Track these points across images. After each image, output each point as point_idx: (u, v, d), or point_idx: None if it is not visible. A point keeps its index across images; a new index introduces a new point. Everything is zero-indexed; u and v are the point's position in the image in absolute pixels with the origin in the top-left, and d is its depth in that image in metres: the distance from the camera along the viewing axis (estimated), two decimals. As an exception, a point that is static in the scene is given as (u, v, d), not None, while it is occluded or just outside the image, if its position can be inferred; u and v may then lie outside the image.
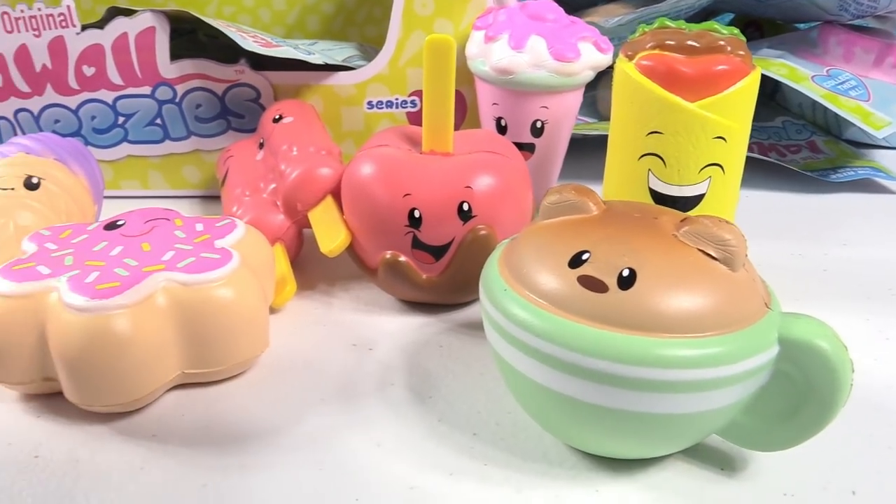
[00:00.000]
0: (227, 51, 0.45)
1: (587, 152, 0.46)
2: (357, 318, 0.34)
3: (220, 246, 0.29)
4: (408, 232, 0.31)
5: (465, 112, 0.44)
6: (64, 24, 0.41)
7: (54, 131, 0.43)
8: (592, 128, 0.48)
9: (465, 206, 0.31)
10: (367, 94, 0.43)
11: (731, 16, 0.62)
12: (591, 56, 0.38)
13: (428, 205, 0.31)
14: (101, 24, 0.42)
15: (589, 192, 0.25)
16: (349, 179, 0.33)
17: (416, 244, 0.31)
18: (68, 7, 0.41)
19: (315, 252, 0.37)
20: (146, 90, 0.43)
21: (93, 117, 0.43)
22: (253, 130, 0.43)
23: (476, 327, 0.33)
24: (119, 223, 0.31)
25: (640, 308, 0.22)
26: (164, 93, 0.43)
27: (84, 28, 0.41)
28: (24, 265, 0.28)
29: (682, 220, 0.24)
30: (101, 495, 0.24)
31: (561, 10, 0.39)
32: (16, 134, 0.44)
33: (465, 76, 0.41)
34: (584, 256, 0.23)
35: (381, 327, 0.33)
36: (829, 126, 0.53)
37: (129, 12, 0.42)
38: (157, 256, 0.28)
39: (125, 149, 0.44)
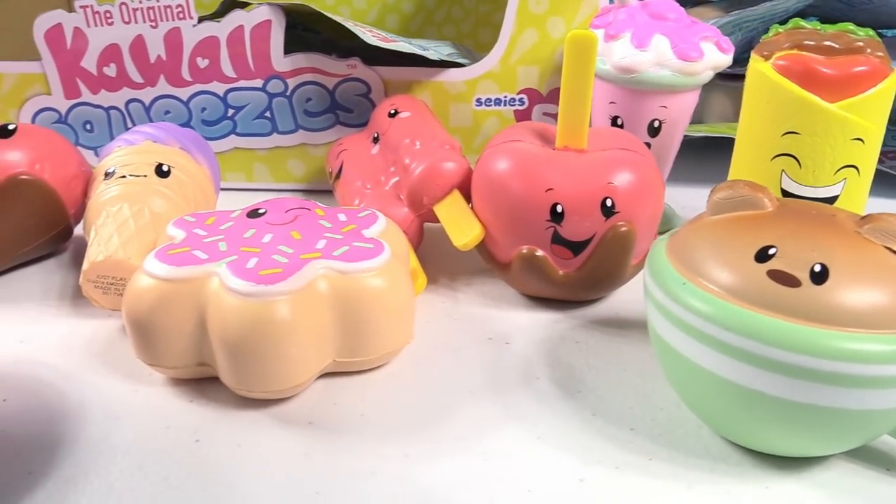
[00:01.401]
0: (324, 46, 0.45)
1: (689, 154, 0.46)
2: (486, 313, 0.34)
3: (368, 236, 0.29)
4: (548, 227, 0.31)
5: (572, 111, 0.44)
6: (181, 15, 0.41)
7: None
8: (695, 129, 0.48)
9: (609, 203, 0.31)
10: (476, 90, 0.43)
11: (816, 20, 0.62)
12: (713, 56, 0.37)
13: (571, 200, 0.31)
14: (216, 17, 0.42)
15: (762, 188, 0.25)
16: (485, 173, 0.33)
17: (556, 239, 0.31)
18: (186, -1, 0.41)
19: (433, 246, 0.37)
20: (258, 83, 0.43)
21: (203, 109, 0.44)
22: (361, 125, 0.44)
23: (609, 324, 0.33)
24: (261, 211, 0.31)
25: (834, 303, 0.22)
26: (275, 86, 0.43)
27: (200, 20, 0.42)
28: (179, 250, 0.28)
29: (862, 218, 0.24)
30: (269, 480, 0.24)
31: (682, 9, 0.39)
32: (126, 125, 0.44)
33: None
34: (771, 251, 0.23)
35: (513, 322, 0.33)
36: (923, 133, 0.53)
37: (244, 5, 0.42)
38: (311, 244, 0.28)
39: (232, 141, 0.44)
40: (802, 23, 0.34)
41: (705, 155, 0.49)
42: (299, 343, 0.26)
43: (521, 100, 0.43)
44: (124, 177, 0.34)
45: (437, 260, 0.38)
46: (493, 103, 0.43)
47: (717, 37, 0.38)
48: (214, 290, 0.26)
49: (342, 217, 0.31)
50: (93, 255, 0.31)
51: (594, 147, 0.33)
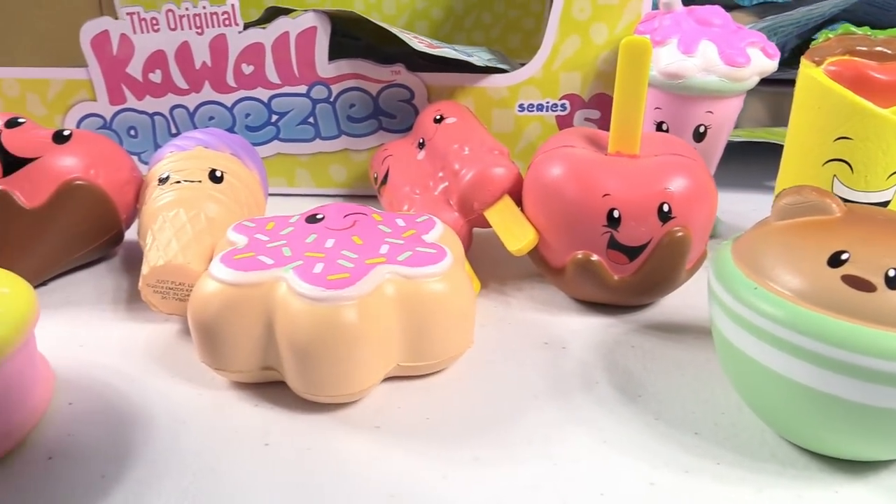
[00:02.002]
0: (363, 52, 0.45)
1: (725, 158, 0.46)
2: (540, 317, 0.34)
3: (429, 241, 0.30)
4: (605, 232, 0.31)
5: (613, 115, 0.44)
6: (227, 22, 0.42)
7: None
8: (733, 135, 0.48)
9: (665, 208, 0.31)
10: (519, 96, 0.43)
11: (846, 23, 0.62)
12: (759, 61, 0.38)
13: (628, 205, 0.31)
14: (260, 23, 0.42)
15: (829, 193, 0.25)
16: (539, 179, 0.33)
17: (613, 244, 0.32)
18: (232, 5, 0.41)
19: (481, 251, 0.38)
20: (302, 89, 0.43)
21: (247, 115, 0.44)
22: (404, 130, 0.44)
23: (661, 328, 0.33)
24: (318, 216, 0.31)
25: (911, 308, 0.22)
26: (319, 92, 0.43)
27: (246, 27, 0.42)
28: (244, 255, 0.28)
29: (932, 223, 0.24)
30: (342, 483, 0.24)
31: (727, 15, 0.39)
32: (171, 131, 0.44)
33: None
34: (844, 256, 0.23)
35: (567, 326, 0.33)
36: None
37: (288, 11, 0.42)
38: (374, 249, 0.29)
39: (275, 146, 0.45)
40: (853, 28, 0.34)
41: (742, 159, 0.50)
42: (367, 347, 0.27)
43: (562, 105, 0.43)
44: (179, 182, 0.34)
45: (485, 265, 0.38)
46: (535, 109, 0.44)
47: (764, 42, 0.38)
48: (282, 296, 0.27)
49: (400, 222, 0.31)
50: (152, 259, 0.31)
51: (646, 153, 0.33)
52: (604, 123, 0.44)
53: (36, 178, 0.34)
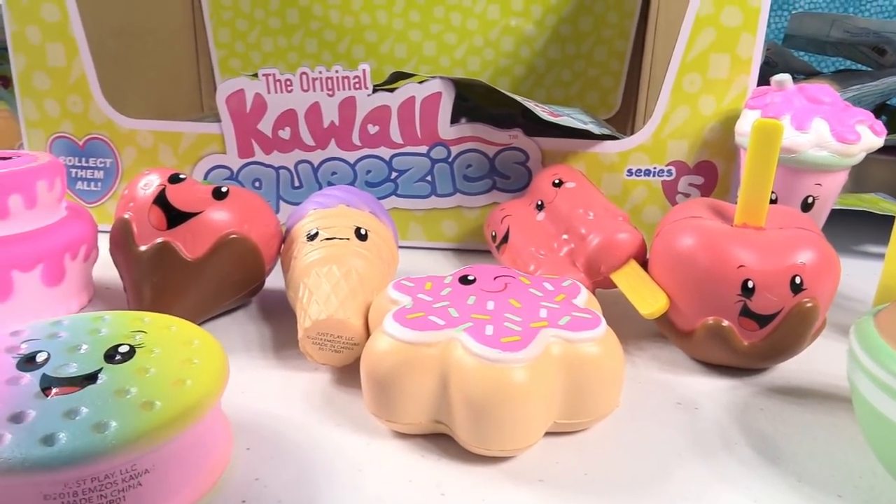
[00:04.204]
0: (469, 113, 0.48)
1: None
2: (667, 378, 0.36)
3: (581, 306, 0.32)
4: (738, 301, 0.33)
5: (715, 183, 0.46)
6: (357, 85, 0.44)
7: (330, 182, 0.47)
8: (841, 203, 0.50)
9: (798, 280, 0.33)
10: (628, 161, 0.46)
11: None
12: (868, 138, 0.40)
13: (763, 277, 0.33)
14: (386, 85, 0.45)
15: (974, 277, 0.27)
16: (671, 248, 0.35)
17: (745, 312, 0.34)
18: (364, 70, 0.44)
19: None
20: (423, 149, 0.46)
21: (368, 171, 0.46)
22: (516, 190, 0.46)
23: (784, 392, 0.35)
24: (470, 278, 0.34)
25: None
26: (439, 152, 0.46)
27: (374, 90, 0.45)
28: (416, 315, 0.31)
29: None
30: (521, 534, 0.26)
31: (836, 93, 0.41)
32: (293, 184, 0.47)
33: (718, 148, 0.44)
34: None
35: (695, 388, 0.35)
36: None
37: (408, 76, 0.45)
38: (534, 313, 0.31)
39: (392, 201, 0.47)
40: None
41: (830, 223, 0.52)
42: (535, 405, 0.29)
43: (669, 171, 0.46)
44: (330, 239, 0.37)
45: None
46: (642, 174, 0.46)
47: (871, 120, 0.41)
48: (458, 356, 0.29)
49: (549, 286, 0.33)
50: (314, 313, 0.34)
51: (770, 225, 0.35)
52: (706, 189, 0.46)
53: (197, 231, 0.37)
